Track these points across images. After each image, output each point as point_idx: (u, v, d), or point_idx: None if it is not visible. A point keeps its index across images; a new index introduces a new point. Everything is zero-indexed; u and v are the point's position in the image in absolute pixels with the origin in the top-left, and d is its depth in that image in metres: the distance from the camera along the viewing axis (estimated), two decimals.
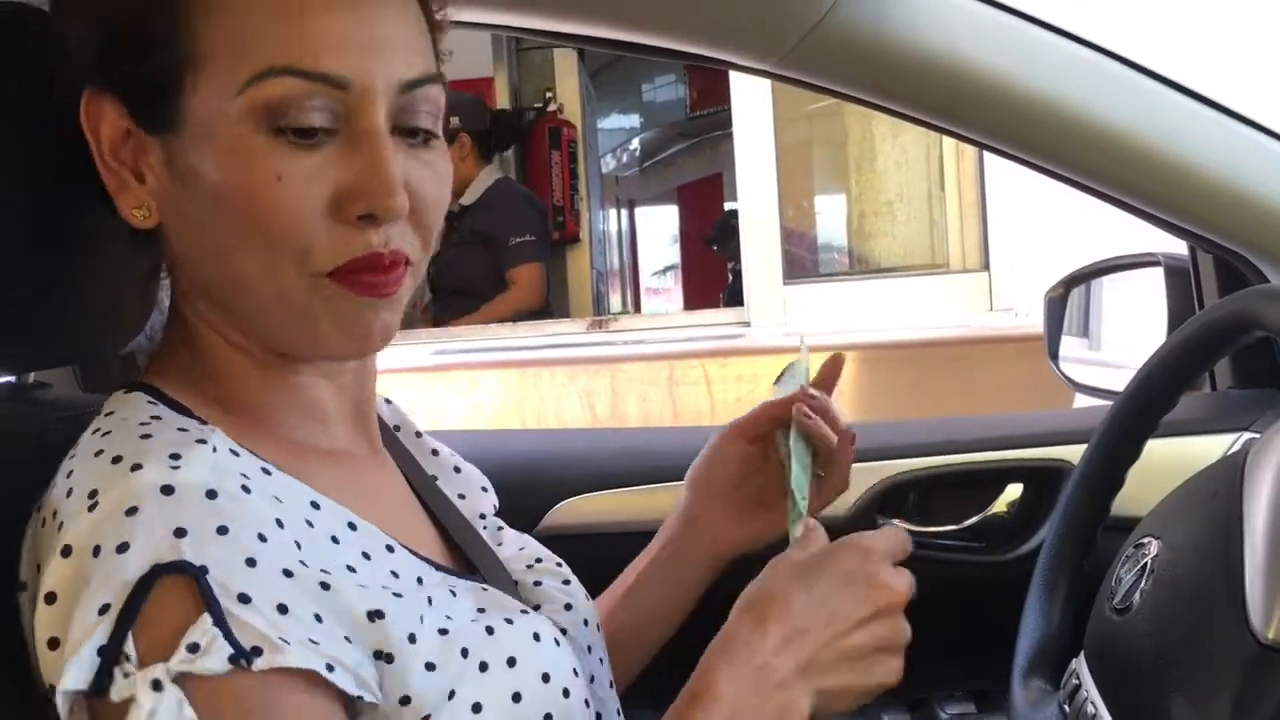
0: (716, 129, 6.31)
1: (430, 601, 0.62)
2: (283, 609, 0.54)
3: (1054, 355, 1.42)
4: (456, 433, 1.05)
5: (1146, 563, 0.81)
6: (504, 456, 1.24)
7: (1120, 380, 1.17)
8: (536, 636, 0.65)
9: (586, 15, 1.03)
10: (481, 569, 0.72)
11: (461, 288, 3.31)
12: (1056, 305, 1.44)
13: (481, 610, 0.65)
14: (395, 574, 0.62)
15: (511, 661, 0.62)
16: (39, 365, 0.81)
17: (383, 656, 0.57)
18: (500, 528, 0.81)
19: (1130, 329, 1.49)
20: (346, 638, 0.56)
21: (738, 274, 5.19)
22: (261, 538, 0.56)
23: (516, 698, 0.61)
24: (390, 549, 0.63)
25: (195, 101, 0.60)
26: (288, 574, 0.55)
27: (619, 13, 1.02)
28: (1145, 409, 0.92)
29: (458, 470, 0.82)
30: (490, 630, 0.62)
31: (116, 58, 0.62)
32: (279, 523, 0.57)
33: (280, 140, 0.59)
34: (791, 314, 2.74)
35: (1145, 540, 0.84)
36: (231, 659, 0.52)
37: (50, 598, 0.55)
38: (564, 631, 0.71)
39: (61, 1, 0.66)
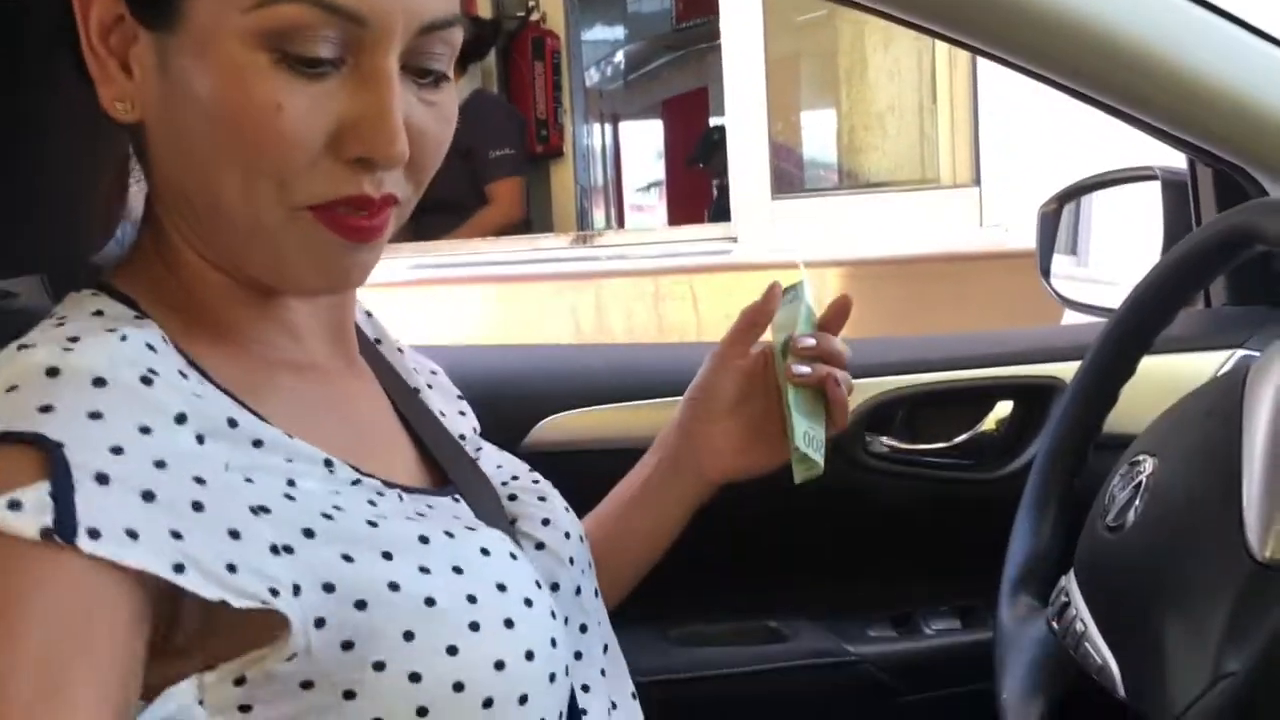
0: (703, 41, 6.21)
1: (348, 503, 0.59)
2: (148, 496, 0.51)
3: (1045, 271, 1.40)
4: (438, 348, 1.02)
5: (1141, 480, 0.80)
6: (487, 372, 1.22)
7: (1112, 297, 1.16)
8: (485, 551, 0.62)
9: None
10: (459, 482, 0.70)
11: (441, 202, 3.27)
12: (1049, 221, 1.42)
13: (414, 520, 0.62)
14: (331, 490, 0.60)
15: (458, 570, 0.59)
16: (2, 273, 0.78)
17: (280, 550, 0.54)
18: (479, 448, 0.79)
19: (1123, 245, 1.48)
20: (233, 531, 0.53)
21: (723, 190, 5.16)
22: (144, 430, 0.52)
23: (472, 599, 0.59)
24: (328, 464, 0.60)
25: (196, 6, 0.56)
26: (160, 465, 0.52)
27: None
28: (1141, 325, 0.91)
29: (433, 389, 0.80)
30: (425, 539, 0.60)
31: None
32: (180, 418, 0.54)
33: (283, 66, 0.56)
34: (779, 229, 2.70)
35: (1140, 458, 0.83)
36: (46, 532, 0.48)
37: None
38: (541, 546, 0.70)
39: None
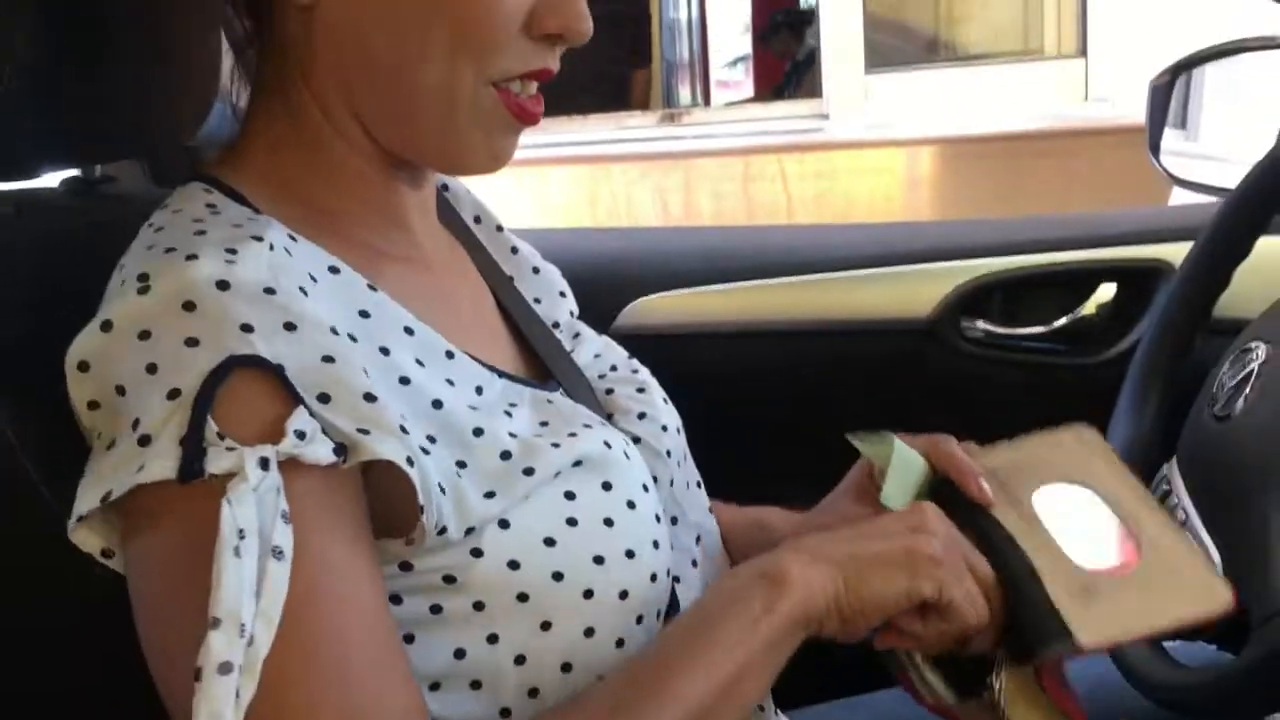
0: None
1: (483, 428, 0.60)
2: (370, 397, 0.53)
3: (1155, 148, 1.34)
4: (525, 231, 1.02)
5: (1252, 368, 0.78)
6: (575, 256, 1.22)
7: (1227, 176, 1.11)
8: (607, 444, 0.63)
9: None
10: (558, 375, 0.70)
11: None
12: (1161, 94, 1.35)
13: (545, 424, 0.63)
14: (450, 381, 0.61)
15: (578, 463, 0.61)
16: (103, 157, 0.79)
17: (441, 489, 0.56)
18: (576, 334, 0.79)
19: (1241, 120, 1.41)
20: (425, 444, 0.56)
21: (795, 67, 5.05)
22: (334, 330, 0.55)
23: (570, 496, 0.60)
24: (450, 355, 0.62)
25: None
26: (366, 372, 0.54)
27: None
28: (1258, 205, 0.87)
29: (536, 271, 0.80)
30: (556, 445, 0.61)
31: None
32: (333, 330, 0.56)
33: None
34: (873, 105, 2.61)
35: (1252, 345, 0.80)
36: (338, 450, 0.52)
37: (84, 366, 0.54)
38: (637, 440, 0.70)
39: None
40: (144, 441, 0.52)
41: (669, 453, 0.72)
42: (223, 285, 0.53)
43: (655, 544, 0.63)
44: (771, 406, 1.23)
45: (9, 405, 0.61)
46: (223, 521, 0.49)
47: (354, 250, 0.63)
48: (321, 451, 0.52)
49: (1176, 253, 1.12)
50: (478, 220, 0.79)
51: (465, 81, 0.61)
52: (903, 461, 0.69)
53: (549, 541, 0.58)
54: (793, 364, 1.23)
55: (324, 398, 0.53)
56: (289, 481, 0.51)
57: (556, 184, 2.59)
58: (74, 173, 0.80)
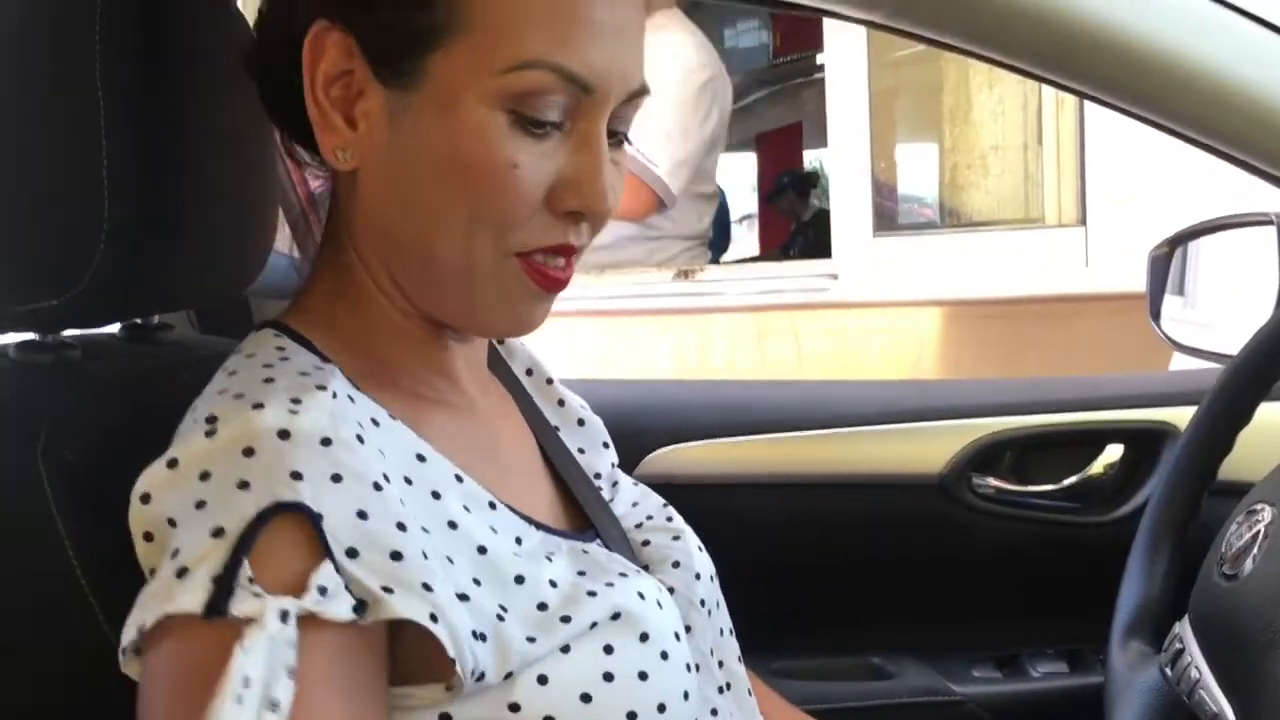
0: (799, 76, 6.22)
1: (524, 575, 0.61)
2: (396, 556, 0.55)
3: (1156, 315, 1.39)
4: None
5: (1260, 529, 0.80)
6: (595, 406, 1.25)
7: (1225, 343, 1.15)
8: (641, 595, 0.64)
9: None
10: (597, 525, 0.72)
11: None
12: (1160, 264, 1.40)
13: (582, 574, 0.64)
14: (494, 529, 0.62)
15: (616, 616, 0.62)
16: (164, 308, 0.83)
17: (479, 636, 0.57)
18: (615, 483, 0.81)
19: (1237, 291, 1.46)
20: (461, 595, 0.57)
21: (800, 228, 5.15)
22: (376, 486, 0.56)
23: (609, 650, 0.61)
24: (492, 505, 0.64)
25: (443, 67, 0.60)
26: (401, 527, 0.56)
27: None
28: (1260, 371, 0.91)
29: (581, 423, 0.82)
30: (592, 594, 0.62)
31: (372, 1, 0.61)
32: (385, 477, 0.57)
33: (517, 127, 0.60)
34: (880, 267, 2.68)
35: (1259, 506, 0.82)
36: (357, 609, 0.53)
37: (145, 498, 0.56)
38: (671, 590, 0.71)
39: None
40: (181, 573, 0.53)
41: (702, 601, 0.73)
42: (283, 435, 0.55)
43: (685, 695, 0.63)
44: (784, 557, 1.24)
45: (73, 533, 0.63)
46: (232, 667, 0.50)
47: (403, 398, 0.66)
48: (340, 609, 0.53)
49: (1180, 416, 1.16)
50: (530, 373, 0.82)
51: (485, 254, 0.62)
52: None
53: (585, 698, 0.59)
54: (806, 516, 1.25)
55: (352, 552, 0.54)
56: (303, 636, 0.52)
57: (581, 336, 2.65)
58: (131, 321, 0.84)
